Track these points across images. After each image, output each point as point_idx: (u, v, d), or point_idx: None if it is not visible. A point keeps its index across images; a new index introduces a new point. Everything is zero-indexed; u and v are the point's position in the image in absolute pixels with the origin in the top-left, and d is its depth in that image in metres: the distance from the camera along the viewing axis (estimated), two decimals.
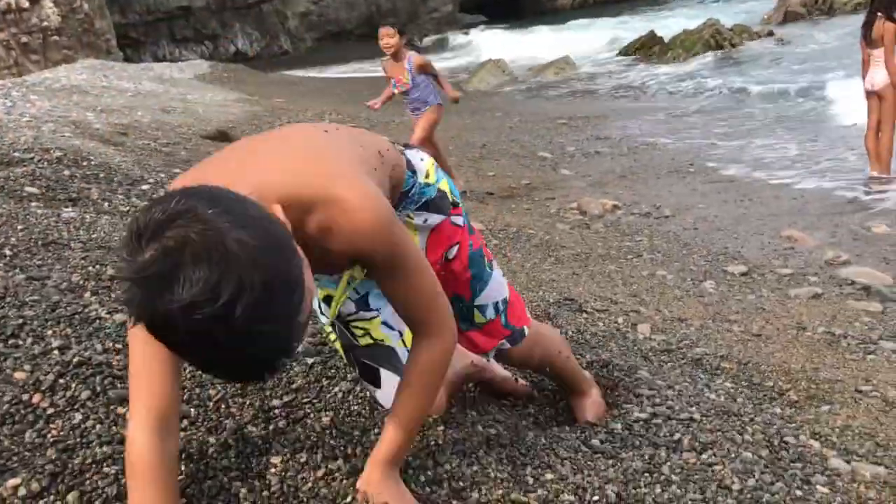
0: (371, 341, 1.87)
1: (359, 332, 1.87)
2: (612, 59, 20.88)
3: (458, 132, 11.11)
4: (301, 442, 1.63)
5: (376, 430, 1.75)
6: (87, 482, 1.46)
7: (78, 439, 1.61)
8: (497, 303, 1.96)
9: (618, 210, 6.81)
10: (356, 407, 1.88)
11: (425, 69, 6.99)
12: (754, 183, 8.03)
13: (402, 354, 1.83)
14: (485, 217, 5.89)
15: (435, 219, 1.82)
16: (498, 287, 1.97)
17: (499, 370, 2.34)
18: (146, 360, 1.36)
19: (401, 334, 1.87)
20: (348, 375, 2.00)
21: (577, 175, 8.40)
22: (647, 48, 20.14)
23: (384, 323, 1.87)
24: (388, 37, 6.81)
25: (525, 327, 2.04)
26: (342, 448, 1.66)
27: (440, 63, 24.95)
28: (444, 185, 1.87)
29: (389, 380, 1.82)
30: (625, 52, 20.96)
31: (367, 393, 1.89)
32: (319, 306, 1.92)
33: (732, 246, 5.65)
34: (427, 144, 6.88)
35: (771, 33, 18.97)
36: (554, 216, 6.45)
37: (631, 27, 25.66)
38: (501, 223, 5.70)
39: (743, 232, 6.16)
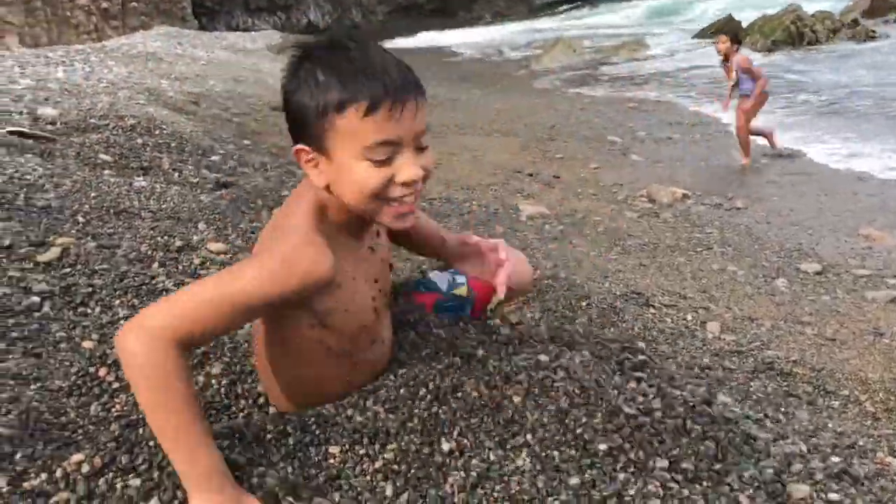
0: None
1: None
2: (687, 41, 20.36)
3: (527, 112, 10.98)
4: (360, 432, 1.60)
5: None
6: (150, 457, 1.45)
7: (141, 415, 1.61)
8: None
9: (688, 199, 6.63)
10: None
11: (748, 70, 8.44)
12: (832, 176, 7.74)
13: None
14: (550, 201, 5.80)
15: None
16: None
17: None
18: (235, 304, 1.35)
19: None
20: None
21: (646, 161, 8.22)
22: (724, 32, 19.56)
23: None
24: (721, 43, 8.67)
25: None
26: (399, 437, 1.63)
27: (514, 36, 24.66)
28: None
29: None
30: (700, 35, 20.42)
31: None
32: None
33: (807, 242, 5.46)
34: (744, 129, 8.43)
35: (856, 22, 18.18)
36: (621, 203, 6.32)
37: (707, 12, 25.00)
38: (567, 208, 5.61)
39: (818, 228, 5.94)
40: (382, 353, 1.78)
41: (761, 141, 8.86)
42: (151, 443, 1.44)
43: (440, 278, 2.13)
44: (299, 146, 1.47)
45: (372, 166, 1.40)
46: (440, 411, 1.66)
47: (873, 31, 17.71)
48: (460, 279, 2.11)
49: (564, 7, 38.46)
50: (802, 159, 8.60)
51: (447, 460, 1.55)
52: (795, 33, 17.48)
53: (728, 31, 9.06)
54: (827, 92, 12.40)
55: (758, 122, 8.73)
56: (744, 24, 19.03)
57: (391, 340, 1.83)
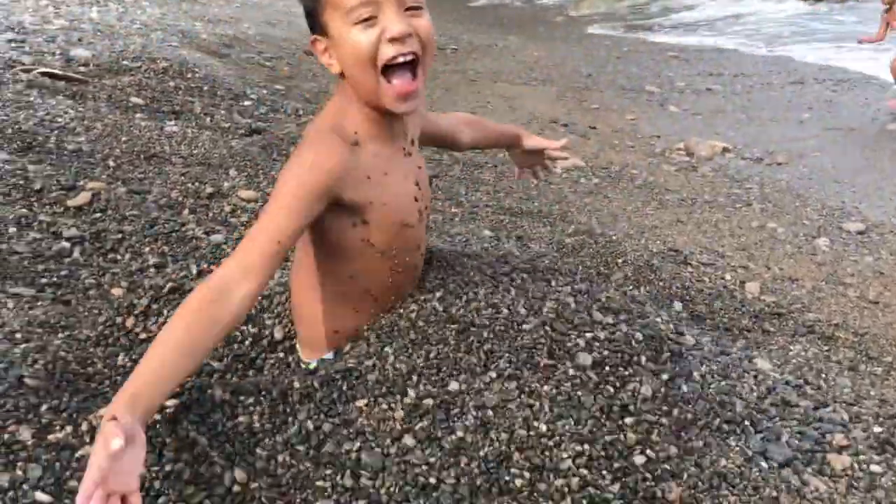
0: None
1: None
2: None
3: (563, 60, 10.75)
4: (382, 384, 1.56)
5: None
6: (175, 408, 1.43)
7: None
8: None
9: (727, 153, 6.46)
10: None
11: None
12: (878, 132, 7.49)
13: None
14: (586, 153, 5.68)
15: None
16: None
17: None
18: (285, 237, 1.43)
19: None
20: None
21: (685, 113, 8.00)
22: None
23: None
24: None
25: None
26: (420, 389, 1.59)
27: None
28: None
29: None
30: None
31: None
32: None
33: (849, 201, 5.29)
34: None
35: None
36: (659, 156, 6.17)
37: None
38: (604, 160, 5.49)
39: (862, 186, 5.75)
40: (420, 261, 1.84)
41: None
42: (173, 400, 1.41)
43: None
44: (313, 37, 1.59)
45: (360, 29, 1.48)
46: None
47: None
48: None
49: None
50: (844, 113, 8.33)
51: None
52: None
53: None
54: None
55: None
56: None
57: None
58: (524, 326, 1.67)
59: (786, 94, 9.17)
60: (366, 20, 1.47)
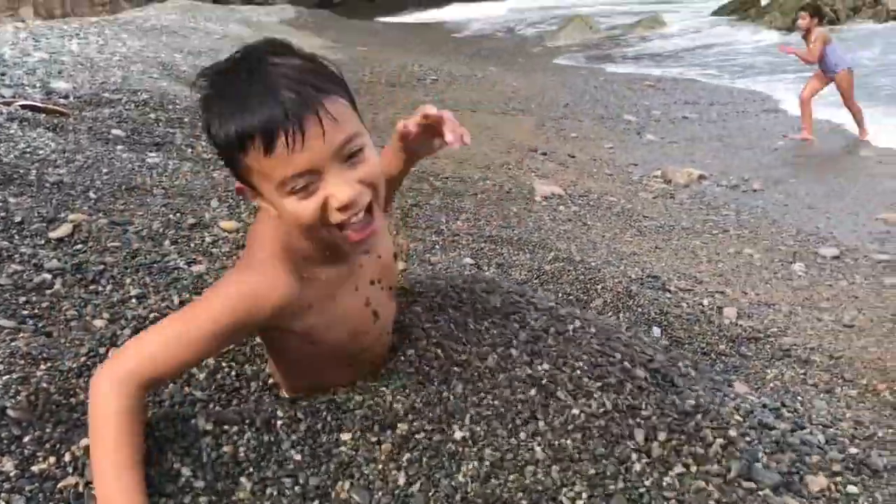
0: None
1: None
2: (705, 18, 20.11)
3: (542, 89, 10.88)
4: (370, 419, 1.58)
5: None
6: (158, 439, 1.44)
7: (150, 397, 1.59)
8: None
9: (704, 180, 6.56)
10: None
11: (826, 43, 8.54)
12: (849, 159, 7.64)
13: None
14: (564, 181, 5.74)
15: None
16: None
17: None
18: (191, 349, 1.35)
19: None
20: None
21: (662, 141, 8.13)
22: (743, 10, 19.34)
23: None
24: (801, 19, 8.71)
25: None
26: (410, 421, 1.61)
27: (530, 13, 24.45)
28: None
29: None
30: (718, 12, 20.17)
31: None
32: None
33: (824, 226, 5.39)
34: (806, 103, 8.61)
35: (877, 1, 17.88)
36: (637, 184, 6.25)
37: None
38: (582, 188, 5.55)
39: (836, 211, 5.86)
40: (385, 344, 1.75)
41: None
42: (157, 433, 1.42)
43: None
44: (238, 185, 1.41)
45: (298, 199, 1.29)
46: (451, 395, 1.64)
47: (895, 10, 17.42)
48: None
49: None
50: (821, 141, 8.49)
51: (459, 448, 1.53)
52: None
53: (808, 5, 8.81)
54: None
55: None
56: (763, 2, 18.82)
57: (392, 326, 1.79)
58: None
59: (760, 122, 9.35)
60: (304, 188, 1.29)
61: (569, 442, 1.60)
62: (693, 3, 22.88)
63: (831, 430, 2.10)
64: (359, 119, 1.37)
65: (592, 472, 1.53)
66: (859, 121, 8.60)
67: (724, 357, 2.58)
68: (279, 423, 1.48)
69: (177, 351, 1.34)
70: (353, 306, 1.56)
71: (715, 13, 20.30)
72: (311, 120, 1.24)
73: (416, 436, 1.55)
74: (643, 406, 1.73)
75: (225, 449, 1.41)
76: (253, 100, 1.24)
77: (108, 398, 1.29)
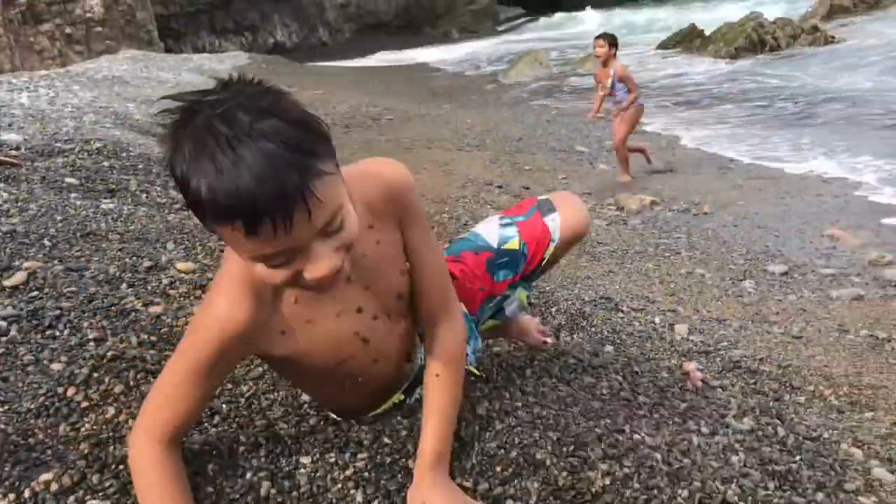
0: None
1: None
2: (652, 52, 20.63)
3: (496, 125, 11.06)
4: (330, 441, 1.62)
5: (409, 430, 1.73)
6: (120, 476, 1.46)
7: (111, 433, 1.61)
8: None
9: (656, 206, 6.72)
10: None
11: (624, 79, 7.98)
12: (796, 180, 7.88)
13: None
14: None
15: None
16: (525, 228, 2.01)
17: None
18: (185, 394, 1.41)
19: None
20: None
21: (614, 170, 8.30)
22: (688, 41, 19.90)
23: None
24: (599, 47, 7.97)
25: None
26: (371, 447, 1.65)
27: (484, 50, 24.77)
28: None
29: None
30: (664, 45, 20.72)
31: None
32: None
33: (773, 244, 5.55)
34: (622, 144, 8.03)
35: (815, 28, 18.53)
36: (591, 212, 6.38)
37: (670, 18, 25.39)
38: None
39: (784, 230, 6.04)
40: (390, 367, 1.68)
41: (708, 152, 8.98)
42: (122, 465, 1.44)
43: (489, 233, 1.99)
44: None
45: (272, 268, 1.23)
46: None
47: (832, 36, 18.06)
48: (510, 232, 1.97)
49: (522, 20, 38.94)
50: (766, 164, 8.73)
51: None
52: (757, 40, 17.78)
53: (605, 35, 8.10)
54: (790, 97, 12.64)
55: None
56: (706, 32, 19.37)
57: (407, 348, 1.72)
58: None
59: (709, 147, 9.59)
60: (279, 262, 1.22)
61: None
62: (643, 38, 23.50)
63: None
64: (340, 178, 1.28)
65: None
66: (625, 164, 8.09)
67: (672, 371, 2.65)
68: (241, 448, 1.50)
69: (178, 405, 1.41)
70: (334, 332, 1.52)
71: (660, 46, 20.85)
72: (299, 206, 1.15)
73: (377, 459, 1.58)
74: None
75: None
76: (236, 177, 1.11)
77: (140, 458, 1.40)
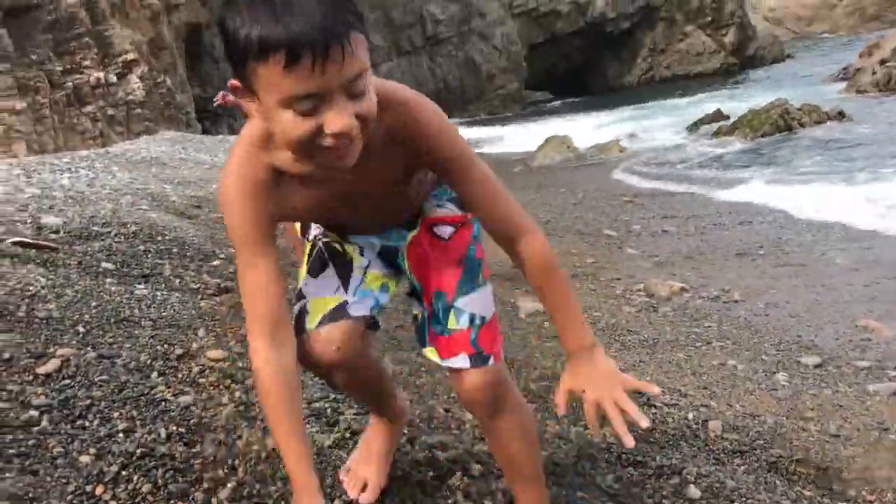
0: None
1: None
2: (680, 134, 20.84)
3: (524, 207, 11.13)
4: None
5: None
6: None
7: None
8: (474, 315, 1.86)
9: (685, 293, 6.66)
10: None
11: None
12: (826, 268, 7.79)
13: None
14: None
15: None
16: (483, 301, 1.89)
17: None
18: (257, 280, 1.56)
19: None
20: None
21: (643, 255, 8.29)
22: (714, 121, 20.12)
23: None
24: None
25: (492, 356, 1.85)
26: None
27: (511, 133, 25.21)
28: None
29: None
30: (692, 128, 20.93)
31: None
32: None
33: (805, 335, 5.45)
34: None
35: (842, 114, 18.63)
36: (619, 298, 6.35)
37: (698, 106, 25.75)
38: None
39: (816, 320, 5.94)
40: (382, 213, 1.82)
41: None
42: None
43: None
44: (233, 81, 1.42)
45: (297, 116, 1.33)
46: None
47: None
48: None
49: (553, 103, 39.63)
50: (794, 250, 8.67)
51: None
52: (784, 126, 17.85)
53: None
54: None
55: None
56: (731, 118, 19.56)
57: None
58: None
59: (736, 233, 9.55)
60: (306, 108, 1.33)
61: None
62: (669, 121, 23.79)
63: None
64: (369, 58, 1.40)
65: None
66: None
67: (705, 477, 2.57)
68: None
69: (261, 290, 1.57)
70: (326, 201, 1.65)
71: (689, 128, 21.06)
72: (336, 48, 1.28)
73: None
74: None
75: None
76: (287, 12, 1.26)
77: (256, 363, 1.57)
